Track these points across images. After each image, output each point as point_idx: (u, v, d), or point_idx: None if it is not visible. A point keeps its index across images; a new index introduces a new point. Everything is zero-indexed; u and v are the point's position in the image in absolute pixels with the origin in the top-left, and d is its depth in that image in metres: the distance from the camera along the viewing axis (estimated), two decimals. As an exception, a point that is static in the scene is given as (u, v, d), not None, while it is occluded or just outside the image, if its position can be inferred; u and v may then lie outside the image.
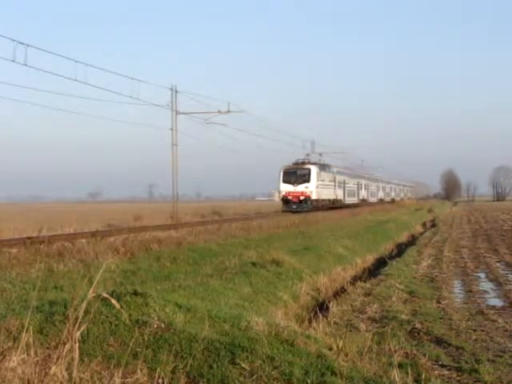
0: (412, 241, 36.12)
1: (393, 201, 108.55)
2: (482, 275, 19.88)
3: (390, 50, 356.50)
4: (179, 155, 40.42)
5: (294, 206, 51.17)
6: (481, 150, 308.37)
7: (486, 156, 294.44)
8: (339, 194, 64.66)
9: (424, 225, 54.42)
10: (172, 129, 40.29)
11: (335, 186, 62.05)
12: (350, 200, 70.99)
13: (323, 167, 58.99)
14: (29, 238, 19.55)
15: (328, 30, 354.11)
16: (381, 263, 24.40)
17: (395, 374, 7.71)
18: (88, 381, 6.46)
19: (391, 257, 25.90)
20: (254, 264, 16.66)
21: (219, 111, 42.15)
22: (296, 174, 52.66)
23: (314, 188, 52.61)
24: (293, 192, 51.84)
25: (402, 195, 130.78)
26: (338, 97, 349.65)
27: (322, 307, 14.35)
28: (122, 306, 7.81)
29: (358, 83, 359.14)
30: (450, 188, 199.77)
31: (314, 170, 53.33)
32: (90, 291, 6.42)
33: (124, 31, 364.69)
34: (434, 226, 51.31)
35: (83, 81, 28.49)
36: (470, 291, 16.53)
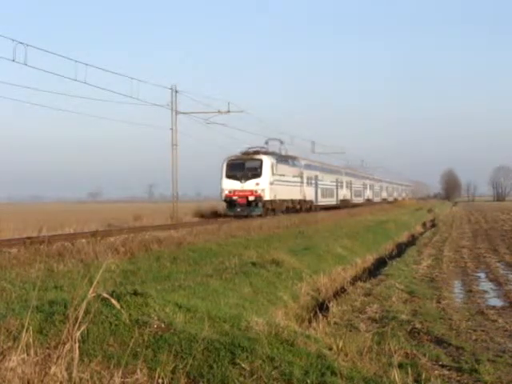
0: (412, 241, 36.12)
1: (384, 201, 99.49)
2: (482, 275, 19.89)
3: (389, 49, 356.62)
4: (179, 155, 40.46)
5: (239, 210, 39.53)
6: (481, 150, 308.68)
7: (485, 156, 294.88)
8: (309, 194, 52.34)
9: (424, 225, 54.40)
10: (172, 129, 40.33)
11: (302, 182, 49.87)
12: (325, 201, 58.63)
13: (283, 158, 46.79)
14: (29, 237, 19.55)
15: (328, 29, 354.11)
16: (381, 263, 24.39)
17: (395, 373, 7.71)
18: (88, 381, 6.46)
19: (391, 257, 25.89)
20: (253, 264, 16.66)
21: (219, 111, 42.16)
22: (243, 166, 40.75)
23: (267, 185, 40.39)
24: (239, 191, 39.90)
25: (396, 195, 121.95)
26: (338, 97, 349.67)
27: (322, 307, 14.35)
28: (122, 306, 7.82)
29: (358, 83, 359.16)
30: (450, 188, 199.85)
31: (267, 161, 41.25)
32: (90, 291, 6.43)
33: (124, 31, 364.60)
34: (433, 225, 51.31)
35: (83, 81, 28.56)
36: (470, 291, 16.53)
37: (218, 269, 15.72)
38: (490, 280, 18.75)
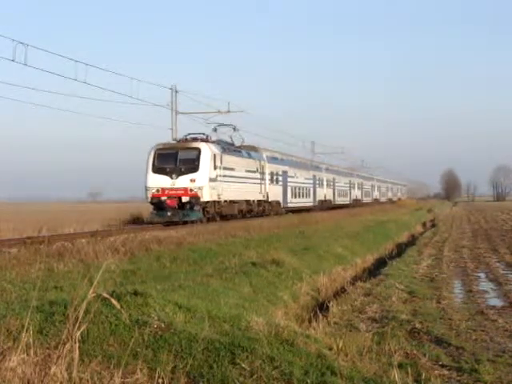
0: (412, 241, 36.14)
1: (376, 202, 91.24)
2: (482, 275, 19.88)
3: (389, 49, 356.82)
4: (179, 155, 40.28)
5: (170, 214, 30.16)
6: (481, 150, 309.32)
7: (486, 156, 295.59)
8: (274, 194, 43.14)
9: (424, 225, 54.42)
10: (172, 129, 40.34)
11: (263, 179, 40.77)
12: (297, 202, 49.74)
13: (234, 148, 37.69)
14: (29, 237, 19.54)
15: (328, 29, 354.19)
16: (381, 263, 24.40)
17: (395, 373, 7.72)
18: (88, 381, 6.46)
19: (391, 257, 25.89)
20: (253, 264, 16.66)
21: (219, 111, 42.13)
22: (176, 157, 31.56)
23: (206, 182, 31.23)
24: (169, 189, 30.80)
25: (391, 195, 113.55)
26: (338, 97, 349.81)
27: (322, 307, 14.36)
28: (122, 306, 7.81)
29: (358, 83, 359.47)
30: (450, 188, 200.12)
31: (206, 150, 31.89)
32: (90, 291, 6.43)
33: (124, 31, 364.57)
34: (433, 225, 51.32)
35: (83, 81, 28.57)
36: (470, 291, 16.52)
37: (218, 269, 15.72)
38: (490, 280, 18.74)
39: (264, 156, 42.56)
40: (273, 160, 44.50)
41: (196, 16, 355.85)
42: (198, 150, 31.83)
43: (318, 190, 57.36)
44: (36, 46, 25.64)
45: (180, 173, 31.15)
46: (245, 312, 9.95)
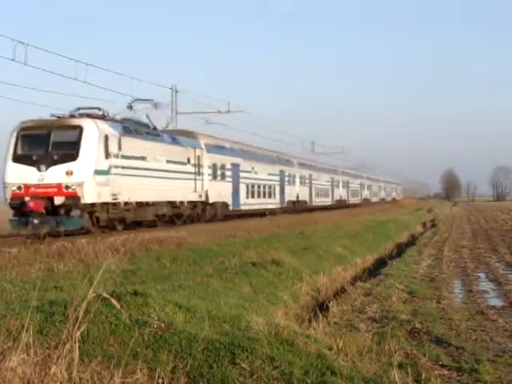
0: (412, 241, 36.11)
1: (366, 201, 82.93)
2: (482, 275, 19.87)
3: (389, 49, 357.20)
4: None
5: (37, 222, 21.23)
6: (481, 150, 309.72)
7: (486, 156, 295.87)
8: (218, 193, 34.20)
9: (424, 225, 54.37)
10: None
11: (200, 174, 31.72)
12: (256, 203, 40.69)
13: (148, 130, 27.86)
14: (29, 237, 19.54)
15: (328, 29, 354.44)
16: (381, 263, 24.40)
17: (395, 373, 7.72)
18: (88, 381, 6.46)
19: (391, 257, 25.88)
20: (253, 264, 16.65)
21: (219, 111, 42.19)
22: (48, 140, 22.32)
23: (91, 175, 22.15)
24: (35, 186, 21.77)
25: (384, 194, 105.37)
26: (338, 97, 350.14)
27: (322, 307, 14.35)
28: (122, 306, 7.81)
29: (358, 83, 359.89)
30: (450, 188, 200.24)
31: (92, 129, 22.51)
32: (90, 291, 6.44)
33: (124, 31, 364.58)
34: (433, 225, 51.29)
35: (84, 80, 28.55)
36: (470, 291, 16.52)
37: (218, 269, 15.71)
38: (490, 280, 18.73)
39: (202, 143, 33.07)
40: (216, 149, 34.94)
41: (196, 16, 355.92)
42: (80, 130, 22.29)
43: (287, 188, 47.81)
44: (36, 45, 25.65)
45: (52, 162, 21.93)
46: (245, 312, 9.95)
